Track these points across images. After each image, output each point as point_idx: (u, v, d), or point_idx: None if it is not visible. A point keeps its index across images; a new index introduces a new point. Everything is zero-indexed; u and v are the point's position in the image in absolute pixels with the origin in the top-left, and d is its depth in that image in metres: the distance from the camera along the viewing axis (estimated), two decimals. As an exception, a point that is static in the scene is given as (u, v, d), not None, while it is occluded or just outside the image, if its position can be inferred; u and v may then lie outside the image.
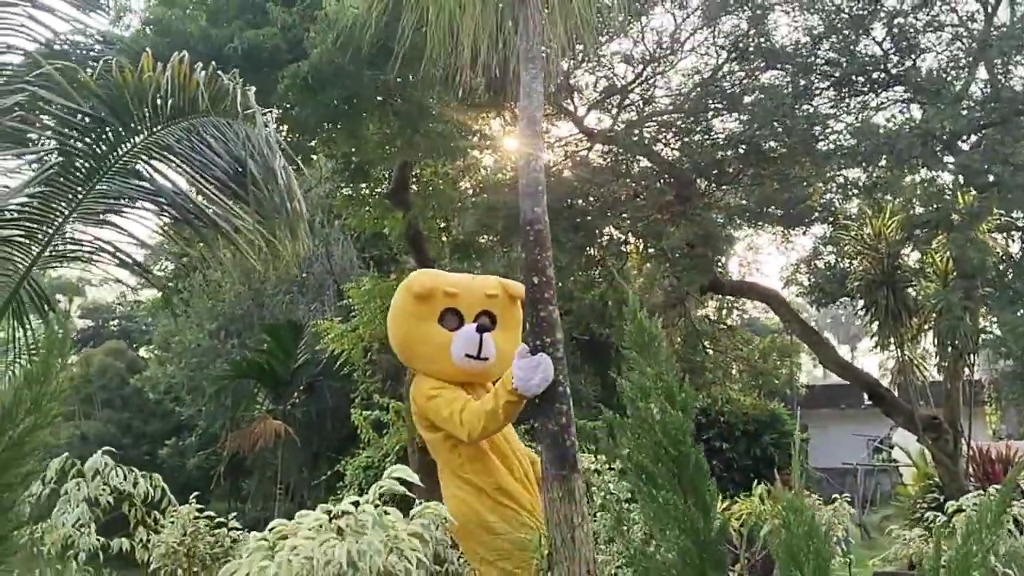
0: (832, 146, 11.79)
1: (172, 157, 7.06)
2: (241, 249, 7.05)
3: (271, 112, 6.30)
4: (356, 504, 2.23)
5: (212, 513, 4.57)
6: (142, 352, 29.46)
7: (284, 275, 18.32)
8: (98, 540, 4.10)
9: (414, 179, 14.80)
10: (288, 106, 11.14)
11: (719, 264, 14.41)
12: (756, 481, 5.95)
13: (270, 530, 2.24)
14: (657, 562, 1.85)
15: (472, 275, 5.29)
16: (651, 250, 14.20)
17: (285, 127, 12.71)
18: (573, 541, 4.12)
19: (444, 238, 16.34)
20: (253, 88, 6.31)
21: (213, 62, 6.38)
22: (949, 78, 11.05)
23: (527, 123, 4.62)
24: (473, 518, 4.63)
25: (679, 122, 13.87)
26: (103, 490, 4.10)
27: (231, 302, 20.48)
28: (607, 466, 5.52)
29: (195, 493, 4.70)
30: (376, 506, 2.18)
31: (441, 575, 6.03)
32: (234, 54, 10.45)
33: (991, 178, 10.17)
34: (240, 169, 6.43)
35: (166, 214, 7.38)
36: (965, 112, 10.49)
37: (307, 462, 17.03)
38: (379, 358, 16.03)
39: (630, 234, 14.37)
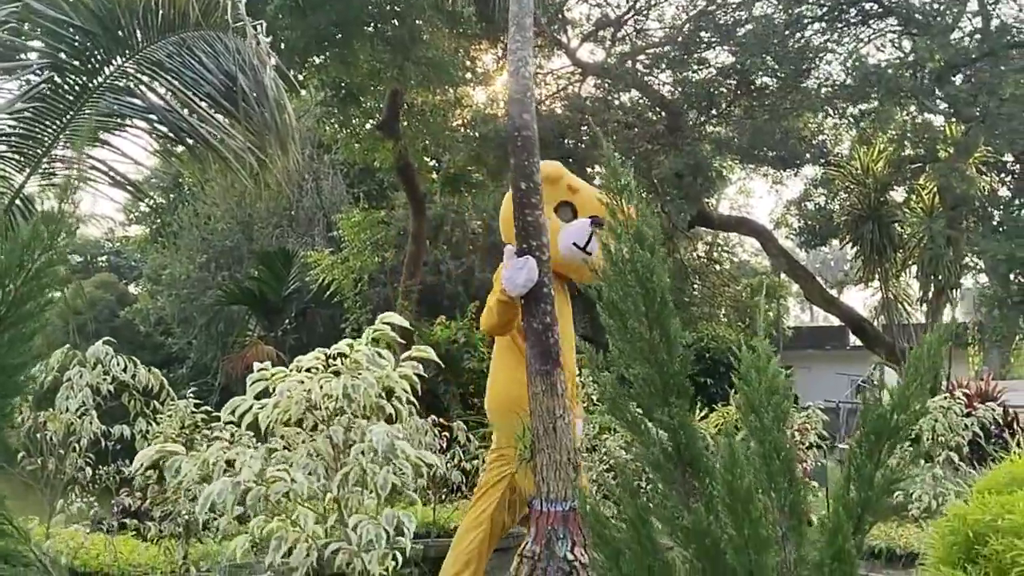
0: (823, 78, 11.82)
1: (163, 73, 7.07)
2: (232, 167, 7.10)
3: (261, 24, 6.27)
4: (351, 346, 2.36)
5: (209, 408, 4.70)
6: (132, 288, 29.52)
7: (274, 207, 18.34)
8: (99, 428, 4.25)
9: (405, 109, 14.77)
10: (278, 31, 11.06)
11: (709, 197, 14.50)
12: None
13: (272, 375, 2.37)
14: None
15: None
16: (643, 180, 14.24)
17: (274, 55, 12.65)
18: (555, 431, 4.28)
19: (435, 173, 16.39)
20: (244, 0, 6.27)
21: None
22: (940, 8, 11.04)
23: (516, 29, 4.66)
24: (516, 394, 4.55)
25: (672, 54, 13.84)
26: (104, 379, 4.22)
27: (221, 234, 20.51)
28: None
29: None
30: (370, 348, 2.31)
31: (430, 477, 6.26)
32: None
33: (978, 111, 10.23)
34: (231, 84, 6.45)
35: (157, 132, 7.43)
36: (955, 44, 10.50)
37: (298, 390, 17.21)
38: (369, 290, 16.20)
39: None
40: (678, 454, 2.04)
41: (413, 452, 2.13)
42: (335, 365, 2.34)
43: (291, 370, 2.32)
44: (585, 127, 13.42)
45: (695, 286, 17.36)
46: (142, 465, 2.40)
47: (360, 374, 2.20)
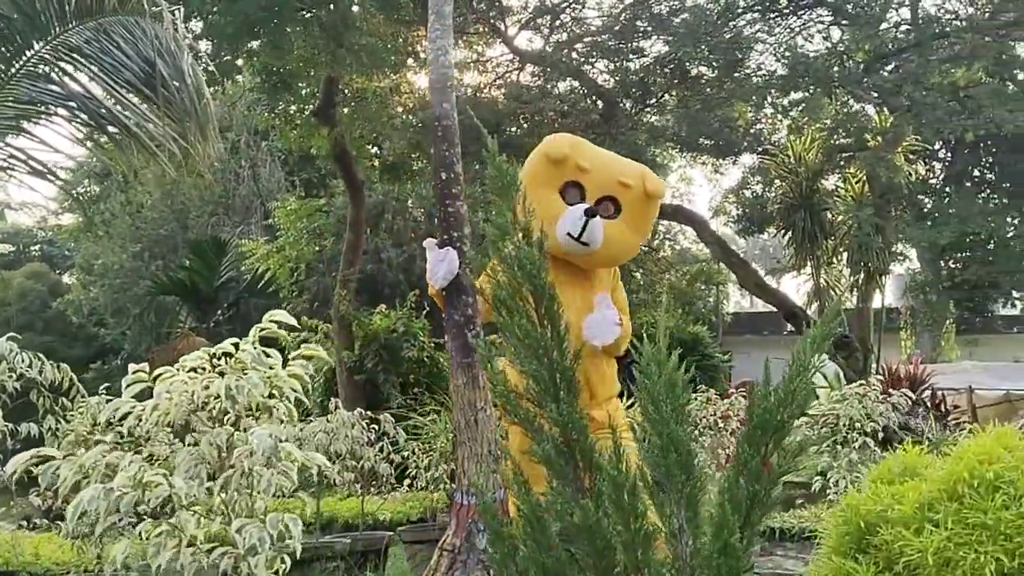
0: (756, 68, 11.95)
1: (82, 59, 6.88)
2: (155, 154, 6.94)
3: (179, 9, 6.12)
4: (236, 346, 2.30)
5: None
6: (65, 278, 28.80)
7: (209, 195, 18.01)
8: (5, 426, 4.11)
9: (342, 96, 14.58)
10: (207, 16, 10.84)
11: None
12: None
13: (157, 376, 2.31)
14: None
15: (616, 156, 4.67)
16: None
17: (206, 38, 12.41)
18: (476, 423, 4.28)
19: (375, 161, 16.22)
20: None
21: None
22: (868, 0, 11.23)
23: (436, 17, 4.62)
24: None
25: (609, 43, 13.88)
26: (9, 376, 4.09)
27: (154, 223, 20.09)
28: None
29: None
30: (255, 347, 2.26)
31: (358, 470, 6.22)
32: (148, -44, 10.08)
33: (905, 101, 10.44)
34: (150, 71, 6.29)
35: (78, 120, 7.22)
36: (885, 35, 10.70)
37: (234, 381, 16.99)
38: (306, 280, 16.02)
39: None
40: (569, 449, 2.03)
41: (300, 454, 2.08)
42: (221, 365, 2.28)
43: (176, 370, 2.25)
44: (521, 116, 13.40)
45: (635, 274, 17.49)
46: (16, 470, 2.31)
47: (245, 374, 2.14)
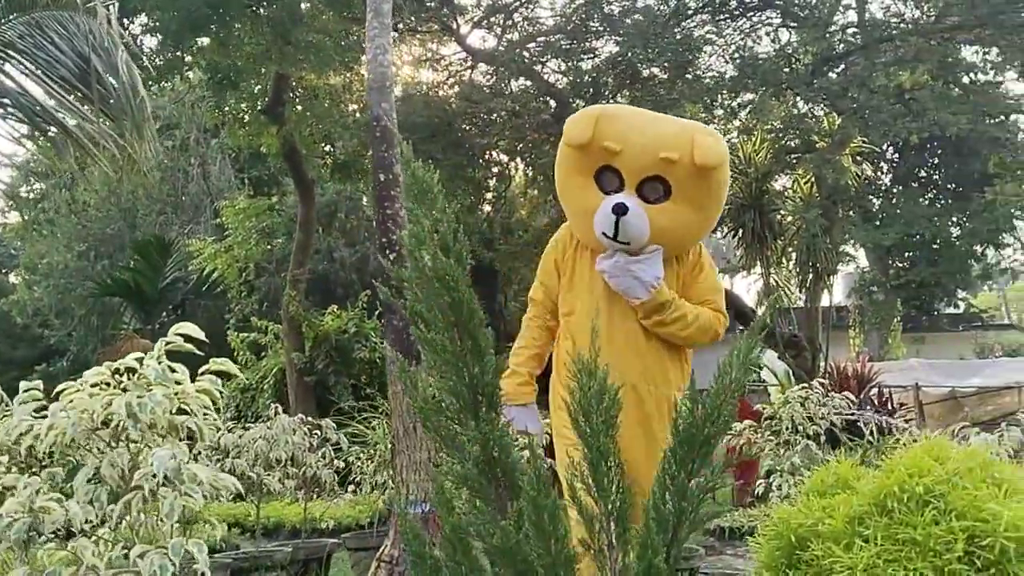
0: (704, 69, 12.02)
1: (15, 54, 6.68)
2: (92, 154, 6.75)
3: (113, 4, 5.95)
4: (140, 361, 2.20)
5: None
6: (11, 278, 28.09)
7: (156, 193, 17.68)
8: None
9: (292, 94, 14.38)
10: (150, 11, 10.60)
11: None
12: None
13: (58, 392, 2.20)
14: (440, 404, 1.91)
15: (658, 118, 3.74)
16: (531, 172, 14.27)
17: (151, 34, 12.15)
18: (415, 431, 4.20)
19: (327, 159, 16.03)
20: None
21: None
22: (816, 3, 11.34)
23: (374, 15, 4.53)
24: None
25: (561, 43, 13.86)
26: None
27: (101, 222, 19.67)
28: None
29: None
30: (160, 362, 2.16)
31: (298, 476, 6.10)
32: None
33: (853, 104, 10.55)
34: (85, 67, 6.12)
35: (13, 117, 7.01)
36: (832, 37, 10.80)
37: (182, 384, 16.70)
38: (256, 280, 15.79)
39: (510, 155, 14.40)
40: (490, 468, 1.96)
41: (205, 474, 1.99)
42: (124, 381, 2.17)
43: (79, 386, 2.15)
44: (473, 115, 13.34)
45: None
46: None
47: (150, 390, 2.04)
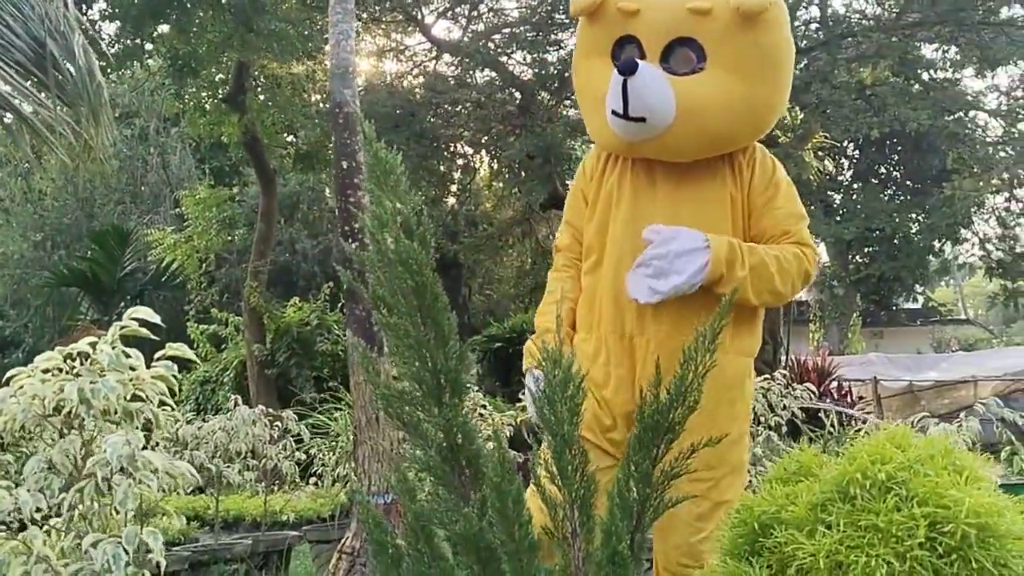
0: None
1: (-33, 38, 6.52)
2: (48, 142, 6.61)
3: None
4: (93, 345, 2.14)
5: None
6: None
7: (114, 183, 17.39)
8: None
9: (254, 82, 14.21)
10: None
11: (562, 179, 14.63)
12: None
13: (13, 375, 2.13)
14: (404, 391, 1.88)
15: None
16: (496, 165, 14.26)
17: (110, 20, 11.94)
18: (378, 421, 4.16)
19: (288, 148, 15.87)
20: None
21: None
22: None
23: (338, 0, 4.47)
24: None
25: (527, 35, 13.85)
26: None
27: (57, 211, 19.33)
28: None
29: None
30: (114, 347, 2.10)
31: (258, 468, 6.03)
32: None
33: (815, 99, 10.65)
34: (40, 51, 5.99)
35: (-37, 102, 6.83)
36: (794, 32, 10.89)
37: (140, 376, 16.49)
38: (216, 272, 15.61)
39: (475, 147, 14.38)
40: (453, 455, 1.94)
41: (160, 461, 1.94)
42: (76, 366, 2.11)
43: (30, 372, 2.08)
44: (444, 106, 13.29)
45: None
46: None
47: (103, 376, 1.99)
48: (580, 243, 2.84)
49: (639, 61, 2.51)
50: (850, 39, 10.94)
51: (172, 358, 2.33)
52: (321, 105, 14.78)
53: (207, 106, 14.04)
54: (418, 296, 1.83)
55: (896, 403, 18.59)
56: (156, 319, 2.13)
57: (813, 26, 11.15)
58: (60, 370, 2.09)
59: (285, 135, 15.53)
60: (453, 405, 1.89)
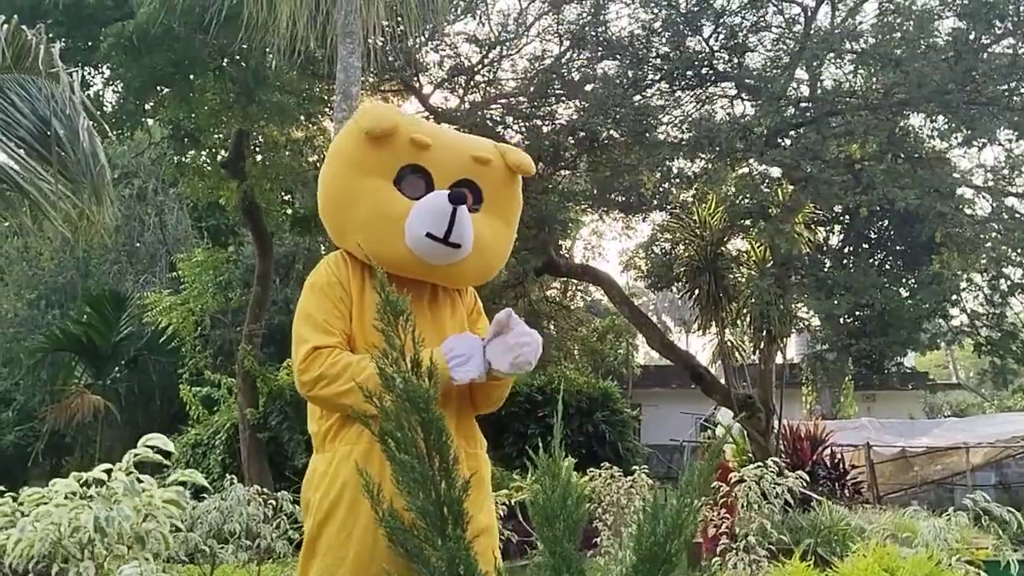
0: (661, 137, 12.31)
1: (-27, 116, 6.65)
2: (47, 214, 6.71)
3: (77, 71, 5.97)
4: (109, 472, 2.20)
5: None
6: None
7: (111, 244, 17.48)
8: None
9: (254, 149, 14.41)
10: (114, 66, 10.63)
11: (558, 247, 14.80)
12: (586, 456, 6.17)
13: (28, 496, 2.18)
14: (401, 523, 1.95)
15: (452, 129, 3.20)
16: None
17: (113, 88, 12.17)
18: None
19: (288, 211, 16.02)
20: (58, 45, 5.98)
21: (16, 17, 5.99)
22: (770, 76, 11.70)
23: (343, 97, 4.62)
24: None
25: (523, 106, 14.12)
26: None
27: (52, 271, 19.38)
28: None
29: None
30: (129, 474, 2.16)
31: (253, 549, 6.01)
32: (54, 7, 9.88)
33: (805, 174, 10.83)
34: (45, 130, 6.12)
35: (-32, 176, 6.94)
36: (784, 110, 11.14)
37: (131, 440, 16.25)
38: (211, 333, 15.63)
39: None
40: (456, 586, 1.99)
41: (172, 592, 1.99)
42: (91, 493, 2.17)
43: (44, 497, 2.14)
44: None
45: (546, 329, 17.60)
46: None
47: (117, 503, 2.05)
48: (346, 334, 2.74)
49: (463, 194, 2.80)
50: (839, 116, 11.20)
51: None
52: (319, 169, 14.94)
53: (206, 168, 14.22)
54: (424, 431, 1.91)
55: (889, 469, 18.57)
56: (170, 447, 2.20)
57: (803, 105, 11.41)
58: (75, 494, 2.15)
59: (283, 195, 15.69)
60: (456, 537, 1.95)
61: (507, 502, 6.19)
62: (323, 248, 18.14)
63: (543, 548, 2.27)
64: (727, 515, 5.28)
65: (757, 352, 13.39)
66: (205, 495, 6.38)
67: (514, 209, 3.10)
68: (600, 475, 6.50)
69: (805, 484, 5.31)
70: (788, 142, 11.71)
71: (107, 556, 2.08)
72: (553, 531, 2.23)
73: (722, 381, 13.96)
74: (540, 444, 2.42)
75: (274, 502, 6.03)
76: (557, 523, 2.23)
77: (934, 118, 11.49)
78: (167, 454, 2.27)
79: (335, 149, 3.00)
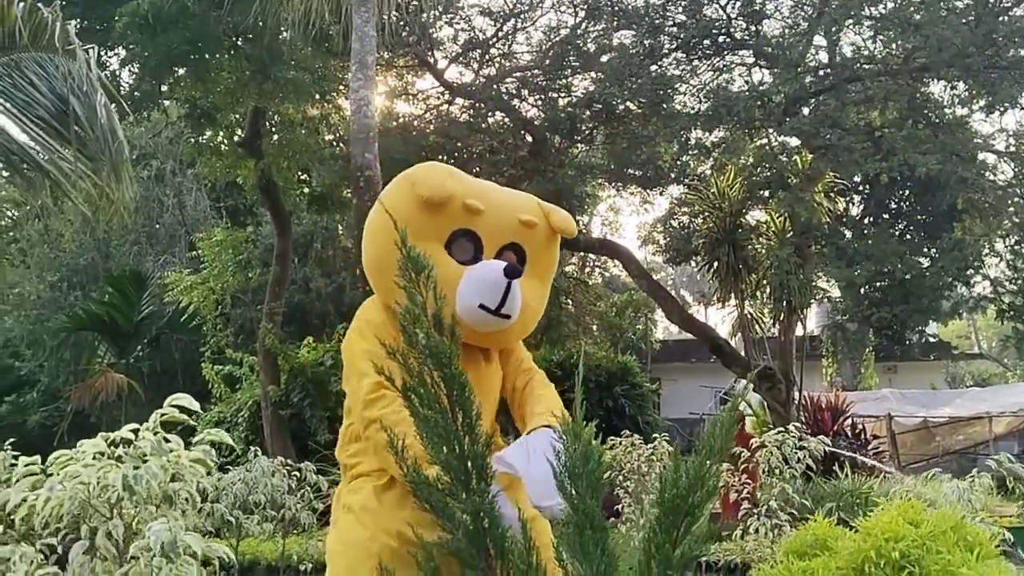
0: (679, 107, 12.21)
1: (-8, 94, 6.69)
2: (67, 192, 6.75)
3: (93, 48, 5.99)
4: (136, 432, 2.22)
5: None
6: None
7: (130, 224, 17.60)
8: None
9: (271, 127, 14.43)
10: (129, 46, 10.65)
11: (575, 221, 14.75)
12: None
13: (55, 459, 2.22)
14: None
15: (498, 186, 3.24)
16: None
17: (129, 68, 12.21)
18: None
19: (305, 189, 16.05)
20: (74, 23, 6.00)
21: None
22: (789, 42, 11.56)
23: (359, 67, 4.61)
24: None
25: (538, 79, 14.04)
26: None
27: (74, 252, 19.54)
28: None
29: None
30: (156, 433, 2.19)
31: (277, 519, 6.08)
32: (70, -14, 9.89)
33: (825, 142, 10.73)
34: (63, 108, 6.14)
35: (-10, 156, 6.99)
36: (803, 77, 11.02)
37: (156, 418, 16.57)
38: (231, 312, 15.74)
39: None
40: (479, 539, 2.01)
41: (200, 545, 2.02)
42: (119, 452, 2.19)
43: (71, 457, 2.17)
44: (450, 149, 13.42)
45: (564, 305, 17.60)
46: None
47: (145, 462, 2.07)
48: None
49: (518, 268, 2.88)
50: (858, 83, 11.05)
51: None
52: (335, 147, 14.96)
53: (223, 148, 14.25)
54: (447, 386, 1.92)
55: (911, 439, 18.50)
56: (196, 406, 2.22)
57: (821, 72, 11.28)
58: (102, 454, 2.17)
59: (300, 174, 15.71)
60: (480, 491, 1.96)
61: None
62: (340, 228, 18.19)
63: (566, 505, 2.28)
64: (748, 480, 5.30)
65: (777, 324, 13.33)
66: (229, 467, 6.46)
67: (552, 269, 3.19)
68: (621, 443, 6.52)
69: (827, 449, 5.30)
70: (807, 111, 11.59)
71: (135, 516, 2.11)
72: (576, 488, 2.24)
73: (742, 354, 13.92)
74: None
75: (298, 473, 6.08)
76: (579, 481, 2.24)
77: (955, 84, 11.32)
78: (194, 415, 2.30)
79: (386, 202, 2.94)
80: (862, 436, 13.71)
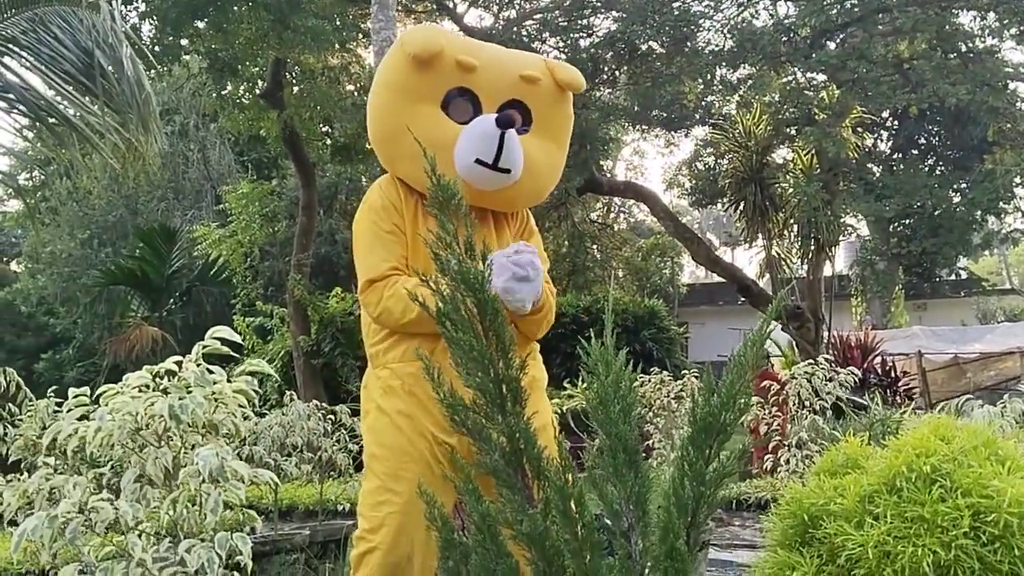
0: (702, 45, 12.04)
1: (18, 50, 6.75)
2: (95, 146, 6.83)
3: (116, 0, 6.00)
4: (179, 364, 2.29)
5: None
6: (13, 266, 28.18)
7: (157, 180, 17.74)
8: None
9: (292, 78, 14.39)
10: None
11: (599, 165, 14.67)
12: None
13: (100, 394, 2.29)
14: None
15: (500, 47, 3.09)
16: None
17: (149, 20, 12.18)
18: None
19: (328, 140, 16.05)
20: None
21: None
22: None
23: (379, 7, 4.58)
24: None
25: (559, 20, 13.86)
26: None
27: (103, 209, 19.75)
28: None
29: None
30: (199, 365, 2.25)
31: (315, 461, 6.22)
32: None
33: (851, 76, 10.56)
34: (88, 61, 6.18)
35: (17, 111, 7.07)
36: (829, 9, 10.81)
37: (190, 371, 16.89)
38: (260, 265, 15.90)
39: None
40: (516, 459, 2.06)
41: (246, 471, 2.08)
42: (164, 383, 2.26)
43: (120, 389, 2.24)
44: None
45: (589, 250, 17.59)
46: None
47: (189, 392, 2.14)
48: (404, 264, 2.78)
49: (512, 117, 2.72)
50: (886, 14, 10.83)
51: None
52: (357, 97, 14.92)
53: (245, 100, 14.25)
54: (480, 311, 1.95)
55: (941, 376, 18.45)
56: (236, 338, 2.28)
57: (848, 3, 11.05)
58: (147, 387, 2.24)
59: (322, 125, 15.71)
60: (516, 412, 2.01)
61: (559, 410, 6.32)
62: (364, 180, 18.21)
63: (599, 430, 2.32)
64: (778, 413, 5.34)
65: (805, 263, 13.28)
66: (266, 412, 6.59)
67: (565, 127, 3.04)
68: (651, 380, 6.58)
69: (857, 381, 5.32)
70: (833, 44, 11.39)
71: (181, 447, 2.18)
72: (608, 414, 2.29)
73: (770, 294, 13.89)
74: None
75: (332, 416, 6.20)
76: (612, 406, 2.28)
77: (984, 15, 11.06)
78: (237, 347, 2.37)
79: (381, 77, 2.92)
80: (892, 373, 13.68)
